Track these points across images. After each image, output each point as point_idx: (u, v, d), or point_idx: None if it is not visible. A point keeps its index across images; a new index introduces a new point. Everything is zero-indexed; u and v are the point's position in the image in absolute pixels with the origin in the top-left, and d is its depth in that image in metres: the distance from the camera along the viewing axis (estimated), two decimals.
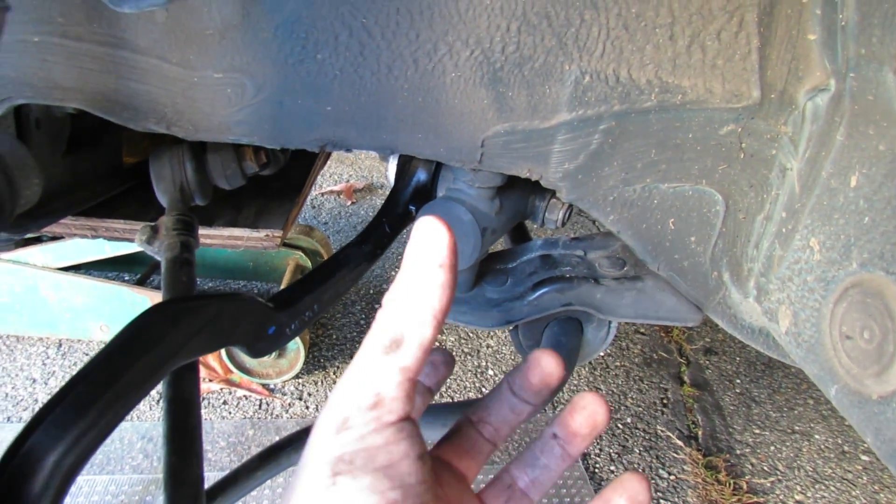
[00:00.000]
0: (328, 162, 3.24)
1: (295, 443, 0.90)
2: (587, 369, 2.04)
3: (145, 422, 1.70)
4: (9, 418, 1.70)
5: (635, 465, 1.71)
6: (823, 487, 1.71)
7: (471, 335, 2.11)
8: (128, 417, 1.72)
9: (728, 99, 0.59)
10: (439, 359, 0.50)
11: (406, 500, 0.30)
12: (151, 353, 0.51)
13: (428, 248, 0.34)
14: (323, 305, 0.72)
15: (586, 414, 0.44)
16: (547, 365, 0.45)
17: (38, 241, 1.74)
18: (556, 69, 0.58)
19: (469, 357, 2.02)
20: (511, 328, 0.91)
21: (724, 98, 0.59)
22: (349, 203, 2.87)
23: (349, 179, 3.08)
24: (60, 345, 1.94)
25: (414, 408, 0.34)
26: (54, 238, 1.73)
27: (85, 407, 0.48)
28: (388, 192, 0.89)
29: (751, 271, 0.65)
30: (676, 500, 1.63)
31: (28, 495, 0.46)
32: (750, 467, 1.76)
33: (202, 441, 0.59)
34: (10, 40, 0.54)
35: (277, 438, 0.95)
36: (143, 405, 1.75)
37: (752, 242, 0.65)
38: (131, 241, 1.00)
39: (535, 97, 0.59)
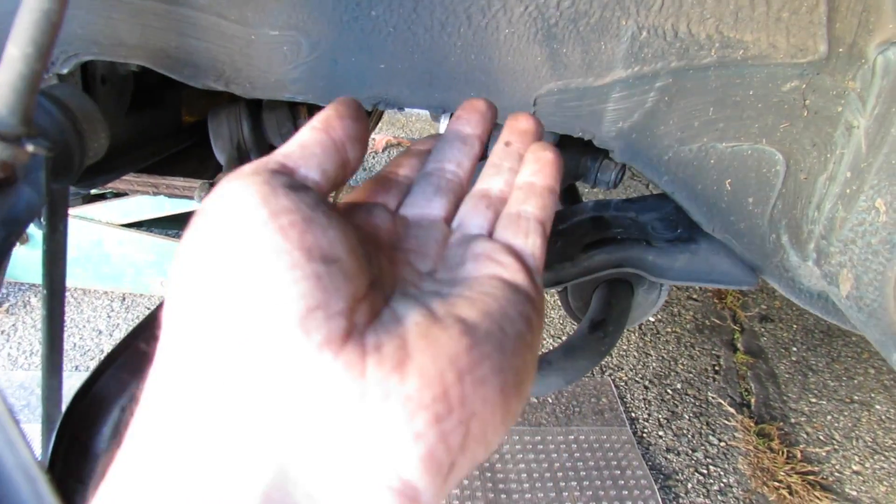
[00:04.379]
0: (379, 124, 3.26)
1: None
2: (637, 334, 2.03)
3: None
4: (76, 367, 1.79)
5: (684, 431, 1.70)
6: (882, 458, 1.67)
7: None
8: None
9: (793, 54, 0.57)
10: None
11: (288, 215, 0.28)
12: None
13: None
14: None
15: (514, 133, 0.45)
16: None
17: (103, 198, 1.80)
18: (612, 24, 0.57)
19: None
20: (560, 290, 0.91)
21: (788, 53, 0.57)
22: (375, 152, 2.98)
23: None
24: (124, 298, 2.02)
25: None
26: (118, 195, 1.79)
27: (151, 353, 0.50)
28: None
29: (811, 233, 0.63)
30: (727, 466, 1.62)
31: (97, 435, 0.49)
32: (805, 436, 1.73)
33: None
34: None
35: None
36: None
37: (813, 204, 0.63)
38: (190, 198, 1.03)
39: (589, 54, 0.58)
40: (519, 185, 0.42)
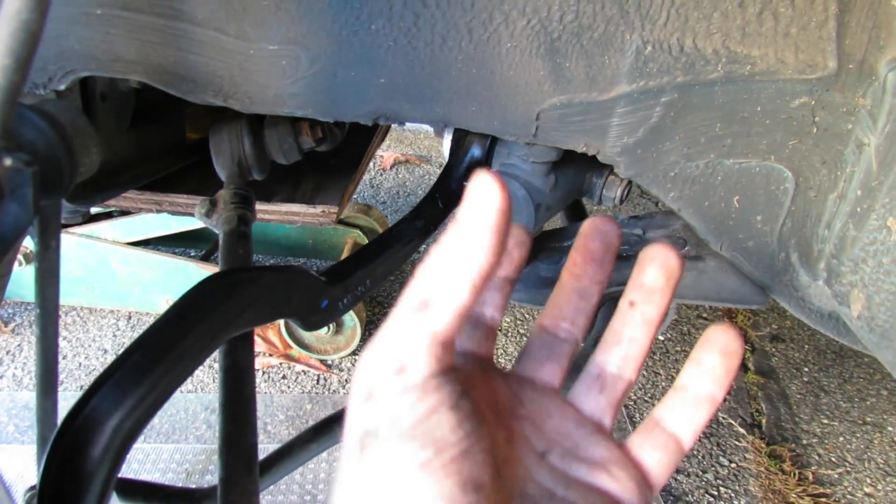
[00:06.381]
0: (387, 141, 3.27)
1: None
2: None
3: (209, 393, 1.75)
4: (81, 387, 1.78)
5: (694, 453, 1.67)
6: (895, 480, 1.64)
7: (527, 316, 2.10)
8: (192, 389, 1.79)
9: (801, 70, 0.55)
10: (511, 242, 0.43)
11: (442, 454, 0.28)
12: (207, 321, 0.52)
13: (474, 209, 0.31)
14: (375, 280, 0.72)
15: (657, 264, 0.39)
16: (601, 227, 0.42)
17: (108, 216, 1.80)
18: (616, 39, 0.56)
19: (525, 339, 2.01)
20: None
21: (796, 69, 0.55)
22: (383, 169, 3.00)
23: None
24: (130, 317, 2.01)
25: (446, 362, 0.31)
26: (124, 214, 1.79)
27: (143, 373, 0.49)
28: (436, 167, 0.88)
29: (821, 252, 0.62)
30: (738, 488, 1.58)
31: (89, 457, 0.47)
32: (817, 458, 1.70)
33: (256, 409, 0.60)
34: (74, 13, 0.55)
35: None
36: (206, 377, 1.80)
37: (823, 222, 0.62)
38: (193, 215, 1.02)
39: (593, 68, 0.57)
40: (682, 385, 0.39)
